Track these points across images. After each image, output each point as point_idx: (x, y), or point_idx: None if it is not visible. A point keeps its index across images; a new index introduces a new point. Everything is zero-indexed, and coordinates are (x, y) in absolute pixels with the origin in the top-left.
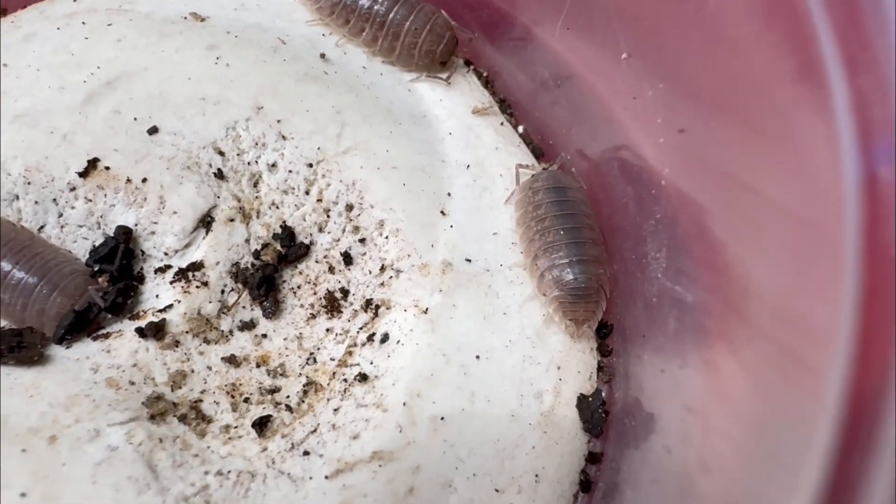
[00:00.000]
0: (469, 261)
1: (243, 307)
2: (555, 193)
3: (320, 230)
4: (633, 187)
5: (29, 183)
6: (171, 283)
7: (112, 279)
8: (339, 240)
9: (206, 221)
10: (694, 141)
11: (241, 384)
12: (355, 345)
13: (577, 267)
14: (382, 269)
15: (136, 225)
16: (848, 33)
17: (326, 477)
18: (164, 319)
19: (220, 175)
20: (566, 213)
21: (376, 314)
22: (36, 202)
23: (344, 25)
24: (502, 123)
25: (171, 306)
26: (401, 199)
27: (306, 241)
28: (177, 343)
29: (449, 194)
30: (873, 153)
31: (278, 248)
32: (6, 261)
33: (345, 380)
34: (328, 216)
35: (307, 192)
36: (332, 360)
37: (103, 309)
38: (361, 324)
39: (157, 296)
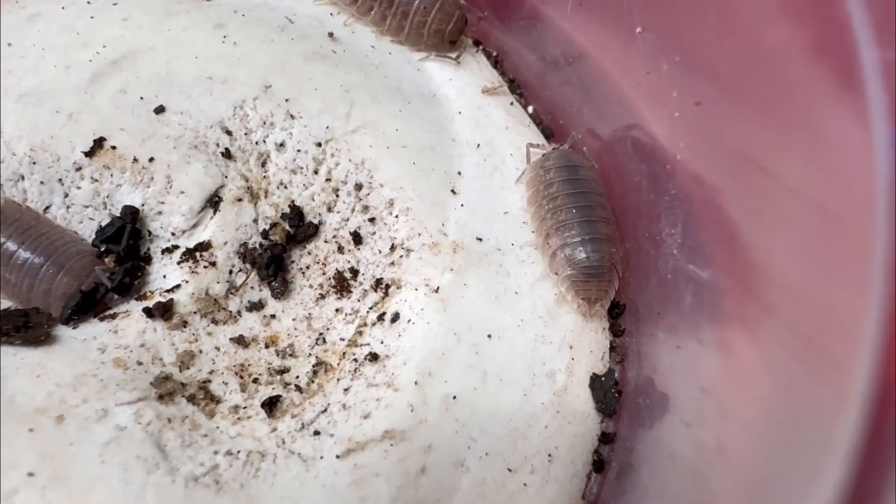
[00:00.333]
0: (480, 240)
1: (251, 287)
2: (566, 172)
3: (329, 210)
4: (646, 164)
5: (34, 163)
6: (179, 263)
7: (119, 259)
8: (348, 219)
9: (213, 201)
10: (710, 115)
11: (249, 365)
12: (365, 324)
13: (590, 245)
14: (392, 248)
15: (142, 205)
16: None
17: (337, 456)
18: (171, 300)
19: (227, 154)
20: (578, 192)
21: (386, 294)
22: (41, 182)
23: (352, 4)
24: (512, 103)
25: (178, 286)
26: (411, 178)
27: (315, 221)
28: (185, 323)
29: (459, 173)
30: None
31: (287, 227)
32: (12, 241)
33: (355, 360)
34: (337, 196)
35: (316, 172)
36: (342, 340)
37: (110, 289)
38: (371, 303)
39: (164, 276)
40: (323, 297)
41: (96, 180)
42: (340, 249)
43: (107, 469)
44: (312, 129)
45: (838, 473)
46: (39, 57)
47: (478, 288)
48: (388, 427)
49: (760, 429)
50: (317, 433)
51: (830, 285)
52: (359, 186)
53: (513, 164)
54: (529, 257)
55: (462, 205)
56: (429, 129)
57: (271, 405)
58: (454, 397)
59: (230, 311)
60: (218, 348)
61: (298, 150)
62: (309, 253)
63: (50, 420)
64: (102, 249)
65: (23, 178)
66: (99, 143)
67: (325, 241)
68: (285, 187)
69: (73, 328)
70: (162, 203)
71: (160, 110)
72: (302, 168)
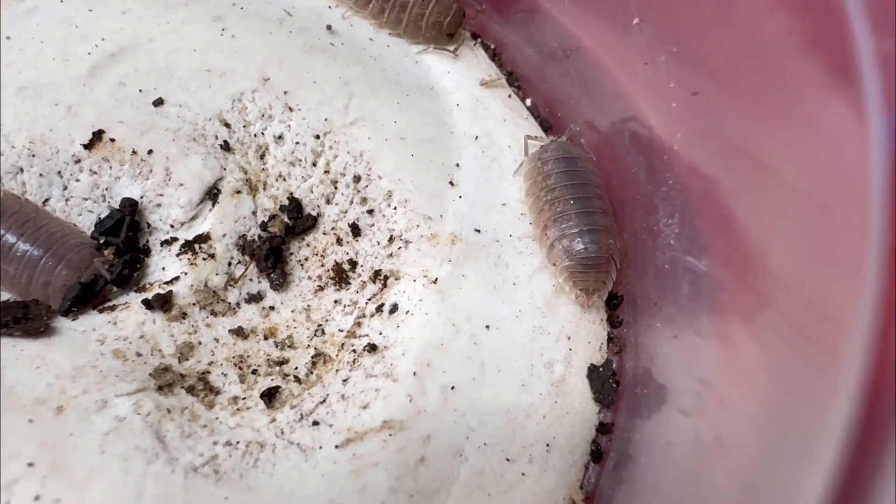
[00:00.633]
0: (478, 231)
1: (250, 279)
2: (564, 163)
3: (328, 202)
4: (643, 155)
5: (33, 155)
6: (178, 255)
7: (118, 251)
8: (346, 211)
9: (212, 193)
10: (707, 106)
11: (248, 356)
12: (364, 316)
13: (588, 236)
14: (391, 239)
15: (141, 197)
16: None
17: (336, 446)
18: (170, 291)
19: (226, 147)
20: (576, 183)
21: (385, 285)
22: (41, 175)
23: None
24: (510, 96)
25: (177, 278)
26: (409, 170)
27: (314, 213)
28: (184, 315)
29: (457, 165)
30: None
31: (285, 219)
32: (11, 233)
33: (354, 350)
34: (336, 188)
35: (314, 164)
36: (341, 331)
37: (109, 281)
38: (370, 295)
39: (163, 268)
40: (322, 288)
41: (95, 173)
42: (339, 241)
43: (107, 459)
44: (311, 121)
45: (833, 463)
46: (38, 50)
47: (476, 279)
48: (387, 417)
49: (757, 419)
50: (316, 423)
51: (826, 276)
52: (357, 178)
53: (511, 155)
54: (527, 248)
55: (460, 196)
56: (427, 122)
57: (270, 396)
58: (452, 388)
59: (229, 303)
60: (217, 340)
61: (297, 143)
62: (307, 245)
63: (50, 411)
64: (101, 242)
65: (22, 170)
66: (98, 135)
67: (324, 233)
68: (284, 179)
69: (73, 320)
70: (161, 195)
71: (159, 103)
72: (300, 160)
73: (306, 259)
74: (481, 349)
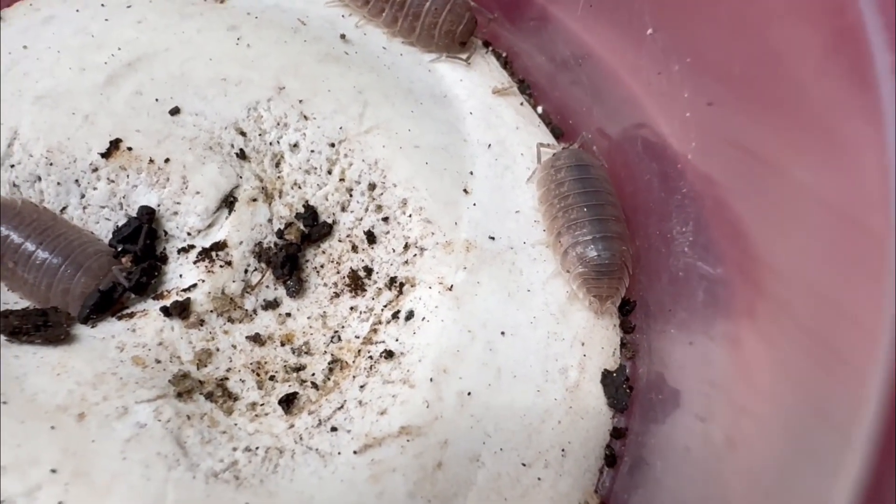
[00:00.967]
0: (492, 238)
1: (267, 286)
2: (577, 171)
3: (343, 209)
4: (657, 163)
5: (51, 164)
6: (195, 262)
7: (136, 259)
8: (361, 219)
9: (228, 201)
10: (722, 115)
11: (266, 362)
12: (380, 322)
13: (601, 243)
14: (406, 247)
15: (158, 205)
16: None
17: (355, 452)
18: (188, 299)
19: (242, 155)
20: (589, 191)
21: (401, 292)
22: (58, 183)
23: (364, 6)
24: (522, 104)
25: (195, 286)
26: (423, 178)
27: (329, 221)
28: (201, 322)
29: (471, 173)
30: None
31: (301, 227)
32: (30, 241)
33: (370, 357)
34: (351, 195)
35: (329, 172)
36: (357, 337)
37: (127, 288)
38: (386, 301)
39: (180, 276)
40: (337, 295)
41: (112, 181)
42: (354, 248)
43: (128, 465)
44: (326, 129)
45: (856, 472)
46: (55, 59)
47: (491, 286)
48: (405, 423)
49: (773, 425)
50: (334, 429)
51: (843, 284)
52: (372, 186)
53: (524, 163)
54: (541, 255)
55: (474, 204)
56: (441, 130)
57: (288, 402)
58: (469, 393)
59: (246, 310)
60: (234, 346)
61: (312, 151)
62: (323, 252)
63: (71, 417)
64: (119, 249)
65: (40, 179)
66: (115, 144)
67: (340, 241)
68: (299, 187)
69: (92, 327)
70: (178, 203)
71: (175, 111)
72: (316, 168)
73: (322, 266)
74: (497, 355)
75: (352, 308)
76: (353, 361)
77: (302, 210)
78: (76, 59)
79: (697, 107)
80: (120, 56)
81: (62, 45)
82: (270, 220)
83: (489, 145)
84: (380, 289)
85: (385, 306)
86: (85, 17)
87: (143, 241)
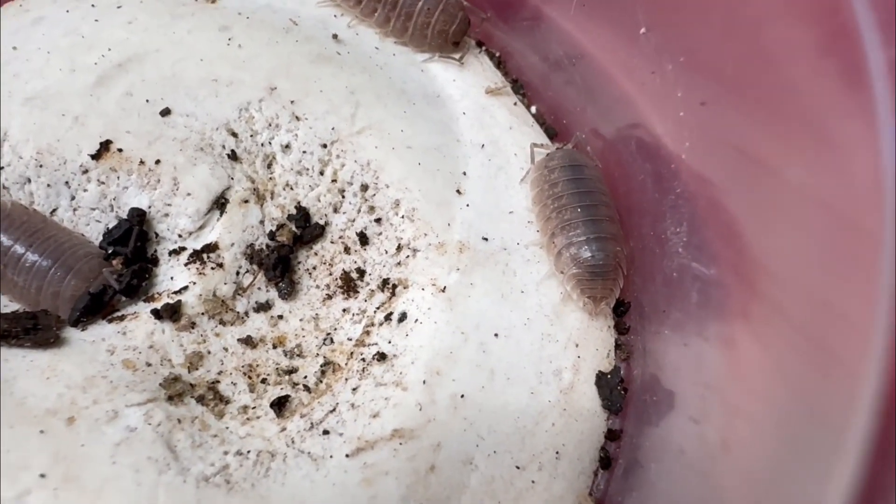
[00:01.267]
0: (486, 239)
1: (259, 288)
2: (571, 171)
3: (335, 211)
4: (650, 163)
5: (41, 166)
6: (186, 264)
7: (126, 261)
8: (354, 220)
9: (220, 203)
10: (716, 115)
11: (257, 365)
12: (373, 324)
13: (595, 244)
14: (399, 248)
15: (149, 207)
16: None
17: (347, 455)
18: (179, 301)
19: (233, 156)
20: (583, 191)
21: (393, 293)
22: (48, 185)
23: (356, 6)
24: (515, 104)
25: (186, 288)
26: (416, 179)
27: (321, 222)
28: (193, 324)
29: (464, 173)
30: None
31: (293, 228)
32: (20, 244)
33: (363, 359)
34: (343, 196)
35: (321, 173)
36: (350, 340)
37: (118, 291)
38: (378, 303)
39: (171, 278)
40: (330, 297)
41: (103, 183)
42: (347, 250)
43: (118, 470)
44: (318, 130)
45: (850, 473)
46: (45, 60)
47: (484, 287)
48: (397, 426)
49: (768, 426)
50: (326, 432)
51: (837, 284)
52: (364, 187)
53: (517, 163)
54: (535, 256)
55: (467, 205)
56: (433, 130)
57: (280, 405)
58: (462, 396)
59: (238, 312)
60: (226, 349)
61: (304, 152)
62: (315, 254)
63: (61, 421)
64: (110, 251)
65: (29, 181)
66: (105, 145)
67: (332, 242)
68: (291, 188)
69: (82, 330)
70: (168, 205)
71: (166, 112)
72: (308, 169)
73: (314, 268)
74: (490, 357)
75: (344, 310)
76: (346, 364)
77: (294, 211)
78: (66, 60)
79: (691, 106)
80: (110, 57)
81: (52, 45)
82: (262, 222)
83: (482, 145)
84: (372, 290)
85: (378, 308)
86: (75, 18)
87: (133, 243)
